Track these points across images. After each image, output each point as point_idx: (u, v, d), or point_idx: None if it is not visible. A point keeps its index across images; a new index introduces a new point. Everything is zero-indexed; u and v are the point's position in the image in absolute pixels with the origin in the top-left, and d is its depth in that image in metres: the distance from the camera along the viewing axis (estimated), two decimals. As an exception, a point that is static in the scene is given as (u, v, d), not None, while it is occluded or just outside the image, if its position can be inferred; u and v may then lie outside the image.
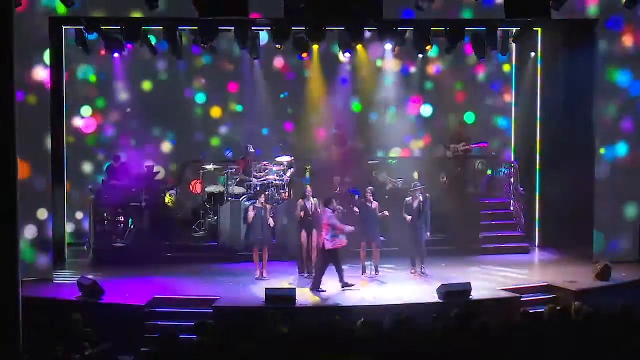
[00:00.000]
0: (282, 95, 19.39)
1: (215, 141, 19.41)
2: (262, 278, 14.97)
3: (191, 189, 18.34)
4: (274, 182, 17.51)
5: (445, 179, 18.43)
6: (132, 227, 17.08)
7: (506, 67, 19.77)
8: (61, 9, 14.56)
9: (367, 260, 15.33)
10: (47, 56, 15.06)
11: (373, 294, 13.85)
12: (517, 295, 13.71)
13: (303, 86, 19.16)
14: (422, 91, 19.70)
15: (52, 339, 9.70)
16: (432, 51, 18.25)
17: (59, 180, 16.45)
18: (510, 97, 19.90)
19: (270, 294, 13.00)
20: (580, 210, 16.70)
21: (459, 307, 10.67)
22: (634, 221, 16.38)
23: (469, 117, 19.54)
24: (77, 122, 18.65)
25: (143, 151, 18.77)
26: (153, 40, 17.08)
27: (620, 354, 8.69)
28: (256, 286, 14.38)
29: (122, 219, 17.36)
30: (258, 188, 17.02)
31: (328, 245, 14.02)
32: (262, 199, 15.19)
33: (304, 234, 15.07)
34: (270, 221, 15.18)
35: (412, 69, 19.56)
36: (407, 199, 15.36)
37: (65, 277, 15.30)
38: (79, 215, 18.36)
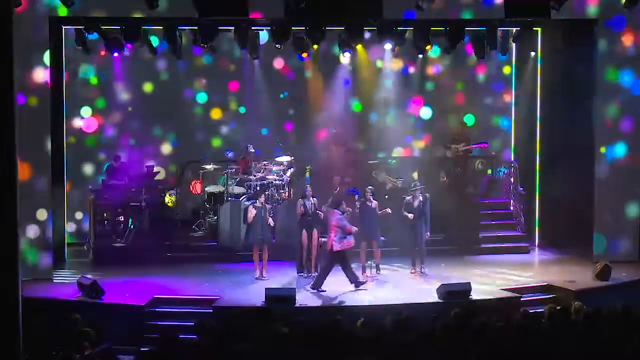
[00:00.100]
0: (282, 95, 19.40)
1: (216, 142, 19.40)
2: (262, 278, 14.98)
3: (191, 189, 18.34)
4: (274, 182, 17.51)
5: (445, 179, 18.43)
6: (132, 227, 17.08)
7: (506, 68, 19.76)
8: (61, 9, 14.56)
9: (367, 260, 15.34)
10: (47, 57, 15.05)
11: (373, 294, 13.85)
12: (517, 295, 13.71)
13: (303, 86, 19.18)
14: (422, 91, 19.70)
15: (52, 339, 9.70)
16: (432, 51, 18.26)
17: (59, 180, 16.45)
18: (510, 97, 19.91)
19: (270, 294, 13.00)
20: (580, 210, 16.70)
21: (459, 307, 10.67)
22: (634, 221, 16.37)
23: (469, 118, 19.53)
24: (78, 122, 18.64)
25: (144, 151, 18.79)
26: (155, 41, 17.06)
27: (620, 354, 8.70)
28: (256, 286, 14.38)
29: (122, 219, 17.36)
30: (258, 188, 17.02)
31: (336, 247, 14.02)
32: (262, 199, 15.19)
33: (304, 233, 15.08)
34: (270, 221, 15.18)
35: (413, 70, 19.56)
36: (408, 198, 15.37)
37: (65, 277, 15.30)
38: (78, 215, 18.37)
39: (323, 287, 13.95)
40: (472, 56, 18.01)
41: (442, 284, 13.49)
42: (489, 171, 19.23)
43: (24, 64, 14.41)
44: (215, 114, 19.36)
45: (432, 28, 16.31)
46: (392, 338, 9.09)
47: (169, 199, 17.89)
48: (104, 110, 18.83)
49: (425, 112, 19.78)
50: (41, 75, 15.02)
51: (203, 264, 16.36)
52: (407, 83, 19.59)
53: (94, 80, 18.68)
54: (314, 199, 15.19)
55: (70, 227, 18.06)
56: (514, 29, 17.28)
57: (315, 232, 15.11)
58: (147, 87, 18.98)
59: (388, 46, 17.54)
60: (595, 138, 16.35)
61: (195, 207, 18.33)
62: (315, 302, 13.37)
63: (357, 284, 14.04)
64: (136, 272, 15.39)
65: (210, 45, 16.48)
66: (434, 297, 13.37)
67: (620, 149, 16.27)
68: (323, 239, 15.47)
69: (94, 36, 16.34)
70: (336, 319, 9.70)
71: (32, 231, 14.91)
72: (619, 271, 14.91)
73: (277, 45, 16.40)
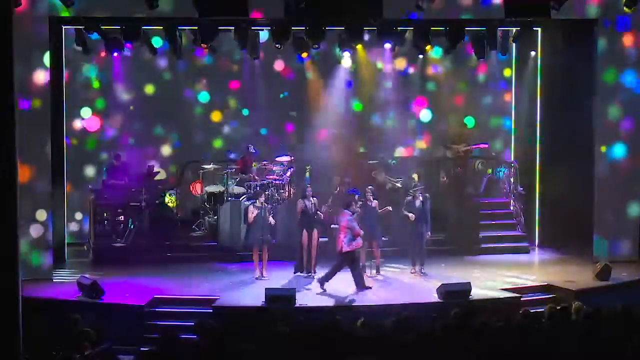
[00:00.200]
0: (281, 96, 19.40)
1: (217, 143, 19.39)
2: (262, 278, 14.97)
3: (191, 189, 18.35)
4: (274, 182, 17.52)
5: (445, 178, 18.43)
6: (132, 227, 17.08)
7: (506, 68, 19.76)
8: (61, 9, 14.55)
9: (368, 260, 15.33)
10: (47, 58, 15.04)
11: (373, 294, 13.84)
12: (517, 295, 13.71)
13: (303, 87, 19.19)
14: (422, 92, 19.70)
15: (52, 339, 9.70)
16: (434, 52, 18.25)
17: (59, 180, 16.45)
18: (510, 97, 19.91)
19: (270, 294, 12.99)
20: (580, 210, 16.71)
21: (459, 307, 10.67)
22: (634, 221, 16.37)
23: (470, 120, 19.51)
24: (79, 122, 18.64)
25: (145, 151, 18.79)
26: (159, 42, 17.02)
27: (620, 354, 8.70)
28: (256, 286, 14.38)
29: (122, 219, 17.36)
30: (258, 188, 17.02)
31: (346, 248, 14.02)
32: (262, 198, 15.19)
33: (305, 233, 15.07)
34: (271, 220, 15.17)
35: (413, 70, 19.58)
36: (408, 198, 15.38)
37: (65, 277, 15.30)
38: (78, 215, 18.36)
39: (326, 286, 13.93)
40: (472, 56, 18.00)
41: (442, 284, 13.48)
42: (489, 171, 19.23)
43: (24, 65, 14.40)
44: (216, 114, 19.36)
45: (432, 28, 16.30)
46: (392, 338, 9.09)
47: (169, 199, 17.89)
48: (105, 110, 18.83)
49: (426, 113, 19.77)
50: (42, 76, 15.00)
51: (203, 264, 16.36)
52: (407, 83, 19.62)
53: (94, 80, 18.68)
54: (314, 199, 15.19)
55: (72, 226, 18.08)
56: (514, 29, 17.27)
57: (315, 233, 15.11)
58: (148, 86, 18.98)
59: (388, 46, 17.53)
60: (595, 138, 16.35)
61: (195, 207, 18.33)
62: (315, 302, 13.36)
63: (362, 288, 14.02)
64: (136, 272, 15.39)
65: (210, 45, 16.48)
66: (434, 297, 13.37)
67: (620, 149, 16.27)
68: (323, 239, 15.50)
69: (94, 36, 16.33)
70: (336, 319, 9.70)
71: (32, 231, 14.89)
72: (619, 271, 14.91)
73: (277, 45, 16.40)
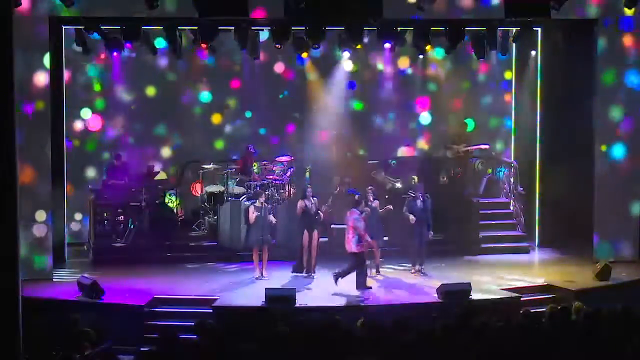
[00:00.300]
0: (281, 96, 19.39)
1: (219, 144, 19.38)
2: (262, 278, 14.97)
3: (191, 190, 18.35)
4: (274, 182, 17.52)
5: (445, 178, 18.43)
6: (132, 227, 17.08)
7: (506, 68, 19.74)
8: (61, 9, 14.54)
9: (368, 260, 15.30)
10: (47, 59, 15.02)
11: (373, 294, 13.84)
12: (517, 295, 13.71)
13: (304, 87, 19.18)
14: (423, 92, 19.69)
15: (52, 339, 9.70)
16: (435, 53, 18.24)
17: (59, 180, 16.43)
18: (510, 97, 19.90)
19: (270, 294, 12.99)
20: (580, 210, 16.72)
21: (459, 307, 10.68)
22: (634, 221, 16.37)
23: (470, 122, 19.49)
24: (79, 123, 18.62)
25: (145, 151, 18.79)
26: (162, 43, 16.99)
27: (620, 354, 8.70)
28: (256, 286, 14.38)
29: (122, 219, 17.36)
30: (258, 188, 17.02)
31: (354, 249, 14.03)
32: (262, 199, 15.18)
33: (306, 234, 15.06)
34: (272, 218, 15.16)
35: (413, 70, 19.56)
36: (409, 198, 15.37)
37: (65, 277, 15.29)
38: (78, 215, 18.34)
39: (323, 286, 13.92)
40: (472, 56, 17.99)
41: (442, 284, 13.48)
42: (489, 171, 19.23)
43: (25, 67, 14.41)
44: (216, 114, 19.34)
45: (432, 28, 16.29)
46: (392, 338, 9.09)
47: (169, 199, 17.88)
48: (105, 110, 18.81)
49: (426, 113, 19.77)
50: (42, 78, 15.00)
51: (203, 264, 16.37)
52: (408, 84, 19.61)
53: (95, 80, 18.66)
54: (315, 199, 15.19)
55: (73, 227, 18.08)
56: (514, 29, 17.26)
57: (315, 233, 15.10)
58: (148, 86, 18.96)
59: (388, 46, 17.51)
60: (595, 138, 16.35)
61: (195, 207, 18.33)
62: (315, 302, 13.36)
63: (362, 288, 14.00)
64: (136, 272, 15.39)
65: (210, 45, 16.47)
66: (434, 297, 13.37)
67: (620, 149, 16.26)
68: (322, 239, 15.50)
69: (95, 36, 16.32)
70: (336, 319, 9.70)
71: (32, 231, 14.88)
72: (619, 271, 14.91)
73: (277, 45, 16.39)
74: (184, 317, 12.65)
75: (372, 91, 19.54)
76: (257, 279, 14.96)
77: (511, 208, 18.45)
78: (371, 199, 15.26)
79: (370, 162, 18.65)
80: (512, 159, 19.17)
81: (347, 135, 18.93)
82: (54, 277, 15.15)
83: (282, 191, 17.66)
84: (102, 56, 17.99)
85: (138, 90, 18.83)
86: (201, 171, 18.10)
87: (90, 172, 18.72)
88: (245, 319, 12.09)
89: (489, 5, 15.54)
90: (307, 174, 17.99)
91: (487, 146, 18.96)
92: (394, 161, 18.99)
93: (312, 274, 15.03)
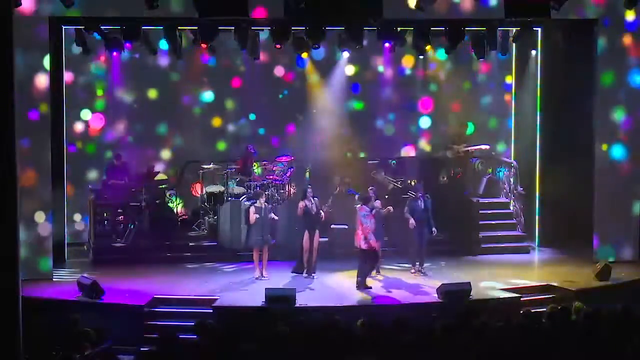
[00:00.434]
0: (280, 96, 19.38)
1: (221, 145, 19.37)
2: (262, 278, 14.96)
3: (191, 190, 18.35)
4: (274, 182, 17.52)
5: (445, 178, 18.43)
6: (132, 227, 17.08)
7: (506, 67, 19.74)
8: (62, 9, 14.54)
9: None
10: (47, 60, 15.01)
11: (373, 294, 13.84)
12: (517, 295, 13.71)
13: (304, 87, 19.17)
14: (423, 92, 19.69)
15: (52, 339, 9.70)
16: (437, 53, 18.24)
17: (60, 180, 16.43)
18: (510, 98, 19.90)
19: (270, 294, 12.99)
20: (580, 210, 16.72)
21: (459, 307, 10.68)
22: (634, 221, 16.37)
23: (470, 125, 19.47)
24: (80, 123, 18.61)
25: (145, 151, 18.78)
26: (165, 45, 16.99)
27: (620, 354, 8.70)
28: (256, 286, 14.38)
29: (122, 219, 17.36)
30: (258, 188, 17.02)
31: (363, 246, 14.05)
32: (262, 199, 15.18)
33: (307, 234, 15.05)
34: (273, 216, 15.16)
35: (413, 71, 19.56)
36: (410, 198, 15.37)
37: (65, 277, 15.29)
38: (78, 216, 18.32)
39: (323, 286, 13.91)
40: (472, 57, 17.97)
41: (442, 284, 13.48)
42: (489, 171, 19.23)
43: (25, 67, 14.41)
44: (216, 114, 19.33)
45: (432, 28, 16.28)
46: (391, 338, 9.09)
47: (170, 201, 17.88)
48: (106, 110, 18.79)
49: (426, 113, 19.77)
50: (43, 80, 15.00)
51: (203, 264, 16.37)
52: (408, 84, 19.61)
53: (94, 81, 18.65)
54: (315, 199, 15.19)
55: (75, 226, 18.07)
56: (514, 29, 17.25)
57: (316, 233, 15.10)
58: (148, 86, 18.95)
59: (387, 45, 17.51)
60: (595, 138, 16.36)
61: (195, 207, 18.33)
62: (315, 302, 13.36)
63: (362, 288, 14.01)
64: (136, 272, 15.40)
65: (210, 45, 16.46)
66: (434, 297, 13.37)
67: (620, 149, 16.26)
68: (322, 239, 15.49)
69: (95, 36, 16.31)
70: (336, 319, 9.71)
71: (32, 231, 14.89)
72: (619, 271, 14.91)
73: (277, 45, 16.38)
74: (183, 317, 12.66)
75: (372, 91, 19.53)
76: (257, 279, 14.96)
77: (511, 208, 18.46)
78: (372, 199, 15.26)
79: (370, 162, 18.63)
80: (512, 159, 19.18)
81: (346, 135, 18.92)
82: (54, 277, 15.15)
83: (282, 191, 17.66)
84: (102, 57, 17.96)
85: (138, 91, 18.82)
86: (201, 171, 18.09)
87: (91, 172, 18.67)
88: (245, 319, 12.11)
89: (488, 5, 15.54)
90: (307, 174, 17.99)
91: (487, 146, 18.96)
92: (394, 161, 18.99)
93: (313, 275, 15.02)
